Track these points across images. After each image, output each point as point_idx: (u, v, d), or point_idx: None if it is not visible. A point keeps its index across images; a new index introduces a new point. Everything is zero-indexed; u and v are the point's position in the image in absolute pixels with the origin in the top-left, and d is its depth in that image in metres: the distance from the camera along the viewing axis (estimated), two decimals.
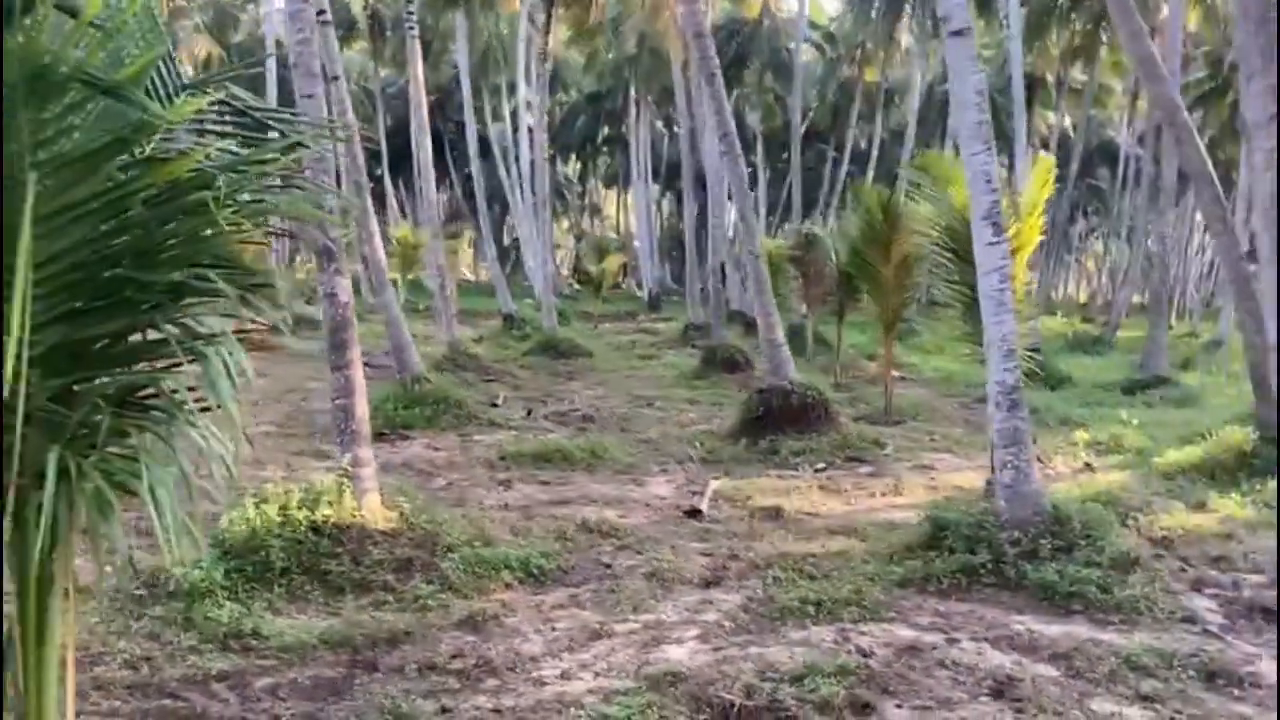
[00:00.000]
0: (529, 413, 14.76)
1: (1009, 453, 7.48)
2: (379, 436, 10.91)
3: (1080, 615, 6.41)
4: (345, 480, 7.22)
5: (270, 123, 3.10)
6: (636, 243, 48.85)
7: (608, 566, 7.58)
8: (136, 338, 3.01)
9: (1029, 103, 29.72)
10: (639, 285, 47.73)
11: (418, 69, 20.62)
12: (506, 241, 53.00)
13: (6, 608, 2.87)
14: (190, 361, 2.81)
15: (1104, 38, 31.72)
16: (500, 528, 8.29)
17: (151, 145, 2.99)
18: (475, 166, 31.03)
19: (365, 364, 8.61)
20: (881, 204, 14.72)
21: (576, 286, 43.92)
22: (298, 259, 35.51)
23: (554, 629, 6.21)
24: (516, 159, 35.98)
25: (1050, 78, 36.36)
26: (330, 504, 6.96)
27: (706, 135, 25.03)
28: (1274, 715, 5.07)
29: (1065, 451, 12.11)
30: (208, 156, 2.74)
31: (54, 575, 2.88)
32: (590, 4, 26.24)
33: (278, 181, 2.99)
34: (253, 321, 2.95)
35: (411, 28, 19.76)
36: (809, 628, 6.18)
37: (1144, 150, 31.41)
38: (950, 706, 5.12)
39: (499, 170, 37.41)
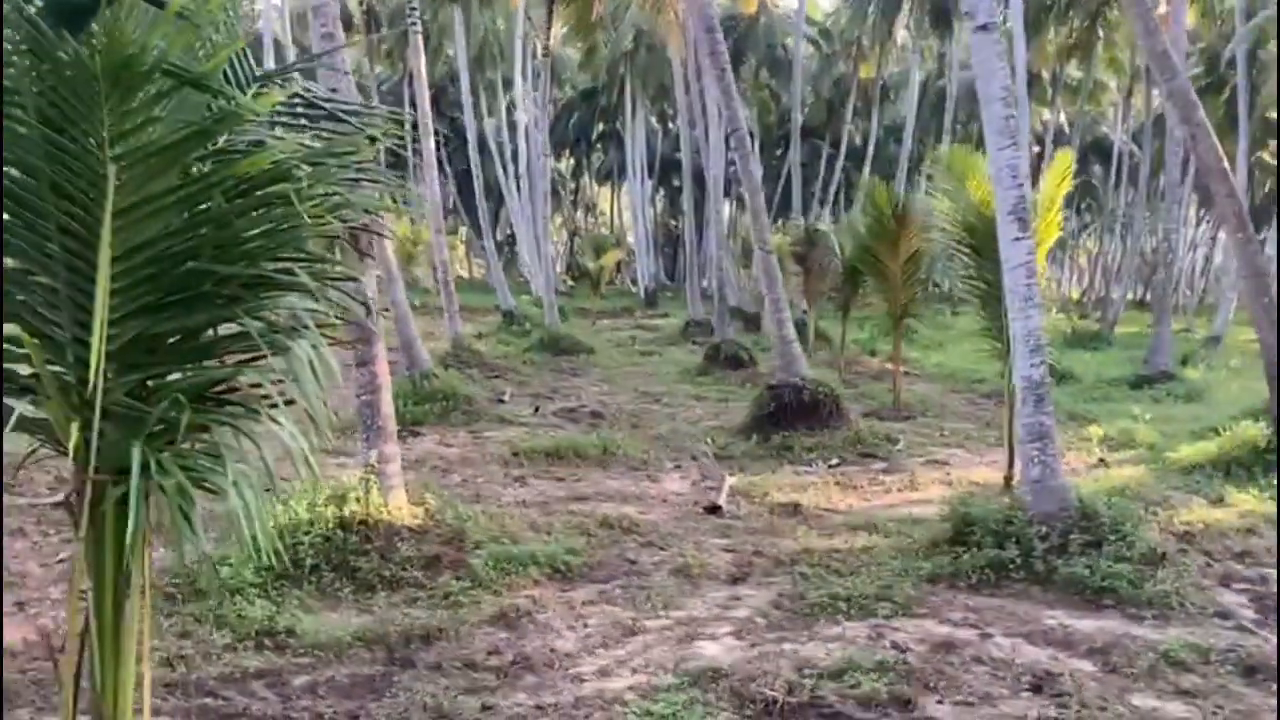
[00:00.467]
0: (536, 409, 14.71)
1: (1035, 447, 7.48)
2: None
3: (1113, 610, 6.41)
4: (372, 476, 7.18)
5: (343, 115, 3.06)
6: (631, 239, 48.76)
7: (633, 562, 7.56)
8: (211, 332, 2.97)
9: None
10: (634, 281, 47.61)
11: (420, 64, 20.51)
12: (500, 238, 52.82)
13: (84, 605, 2.83)
14: (271, 355, 2.78)
15: (1100, 34, 31.78)
16: (520, 524, 8.26)
17: (225, 138, 2.96)
18: (474, 162, 30.94)
19: None
20: (890, 200, 14.73)
21: (570, 283, 43.74)
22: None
23: (586, 625, 6.19)
24: (514, 155, 35.84)
25: (1046, 74, 36.41)
26: (357, 500, 6.92)
27: (709, 131, 25.01)
28: None
29: (1077, 447, 12.12)
30: (294, 150, 2.71)
31: (131, 572, 2.84)
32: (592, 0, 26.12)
33: (354, 174, 2.95)
34: (338, 316, 2.91)
35: (414, 22, 19.63)
36: (842, 624, 6.18)
37: (1140, 148, 31.50)
38: (992, 702, 5.11)
39: (494, 166, 37.29)
